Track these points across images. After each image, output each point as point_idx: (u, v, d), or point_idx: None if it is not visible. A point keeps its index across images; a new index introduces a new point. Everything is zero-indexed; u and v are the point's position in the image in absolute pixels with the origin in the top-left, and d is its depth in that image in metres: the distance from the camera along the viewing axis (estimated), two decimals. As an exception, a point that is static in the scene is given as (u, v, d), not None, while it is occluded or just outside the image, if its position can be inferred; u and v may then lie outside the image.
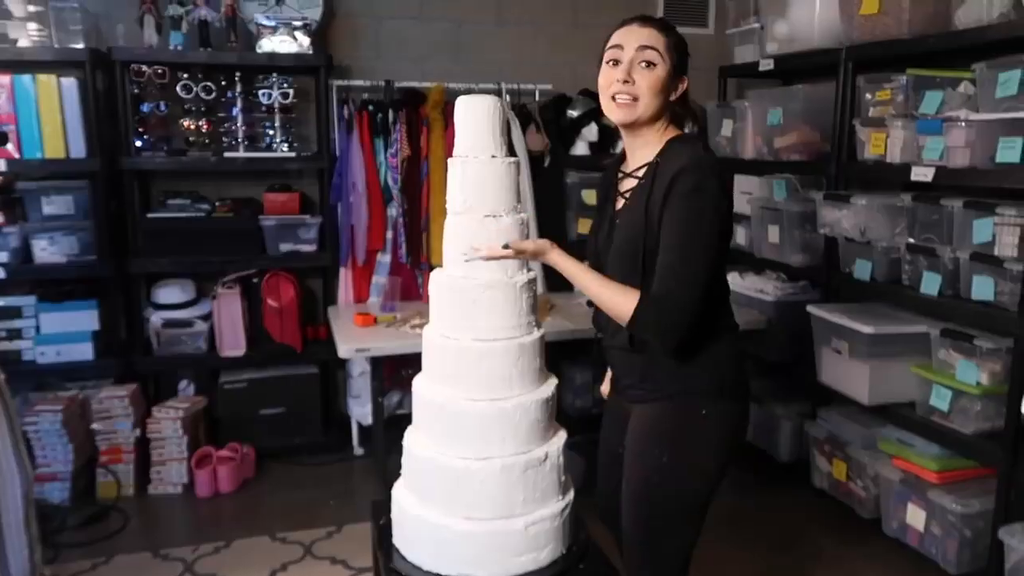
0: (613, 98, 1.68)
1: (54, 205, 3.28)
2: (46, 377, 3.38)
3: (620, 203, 1.78)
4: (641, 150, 1.74)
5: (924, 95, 2.72)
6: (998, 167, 2.43)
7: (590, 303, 1.89)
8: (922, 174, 2.66)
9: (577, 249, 1.81)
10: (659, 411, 1.73)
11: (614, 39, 1.70)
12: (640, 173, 1.72)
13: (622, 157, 1.84)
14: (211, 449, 3.37)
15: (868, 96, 3.00)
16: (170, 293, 3.53)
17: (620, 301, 1.62)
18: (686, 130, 1.79)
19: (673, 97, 1.71)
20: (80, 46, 3.19)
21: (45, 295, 3.34)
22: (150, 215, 3.47)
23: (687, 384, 1.70)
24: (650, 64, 1.65)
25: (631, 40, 1.66)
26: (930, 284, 2.72)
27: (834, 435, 3.22)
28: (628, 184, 1.76)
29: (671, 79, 1.68)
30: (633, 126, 1.70)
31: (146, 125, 3.41)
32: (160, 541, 2.93)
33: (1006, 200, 2.49)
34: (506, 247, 1.67)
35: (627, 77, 1.65)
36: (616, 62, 1.68)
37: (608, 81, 1.69)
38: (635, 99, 1.66)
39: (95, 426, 3.24)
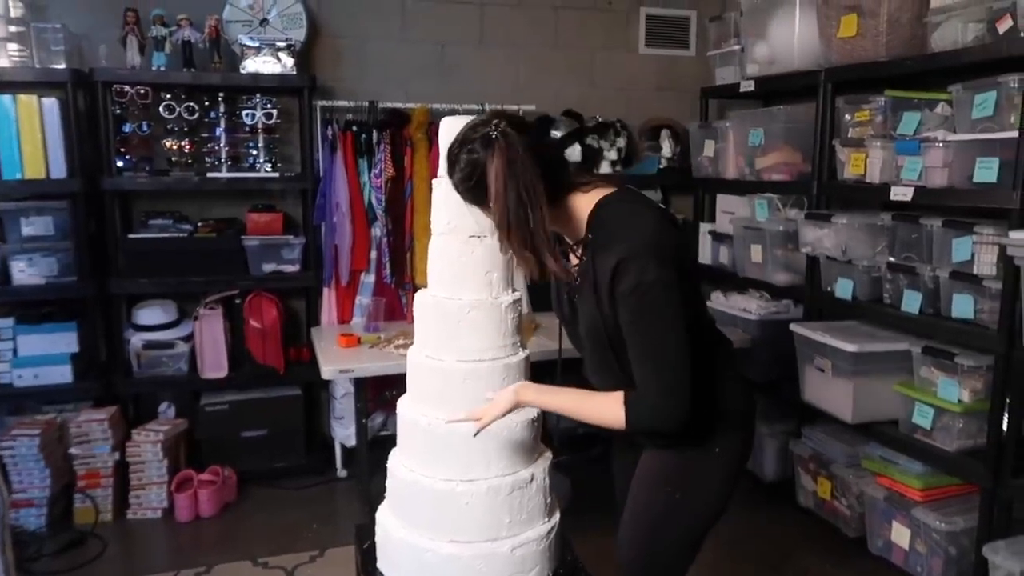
0: None
1: (33, 226, 3.24)
2: (23, 400, 3.32)
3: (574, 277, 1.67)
4: (573, 228, 1.63)
5: (902, 116, 2.76)
6: (976, 187, 2.47)
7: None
8: (901, 194, 2.69)
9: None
10: (671, 457, 1.69)
11: None
12: (580, 250, 1.63)
13: None
14: (192, 472, 3.32)
15: (847, 117, 3.04)
16: (151, 314, 3.49)
17: (607, 412, 1.54)
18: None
19: (540, 208, 1.50)
20: (62, 66, 3.18)
21: (23, 317, 3.30)
22: (131, 236, 3.44)
23: (698, 432, 1.64)
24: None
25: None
26: (911, 302, 2.74)
27: (819, 453, 3.22)
28: (574, 259, 1.66)
29: (512, 212, 1.48)
30: (539, 264, 1.55)
31: (128, 145, 3.40)
32: (139, 567, 2.88)
33: (984, 219, 2.52)
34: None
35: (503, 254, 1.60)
36: None
37: None
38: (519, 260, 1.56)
39: (73, 450, 3.19)
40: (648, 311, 1.47)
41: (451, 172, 1.57)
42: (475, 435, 1.62)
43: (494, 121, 1.51)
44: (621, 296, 1.48)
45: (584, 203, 1.59)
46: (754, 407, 1.76)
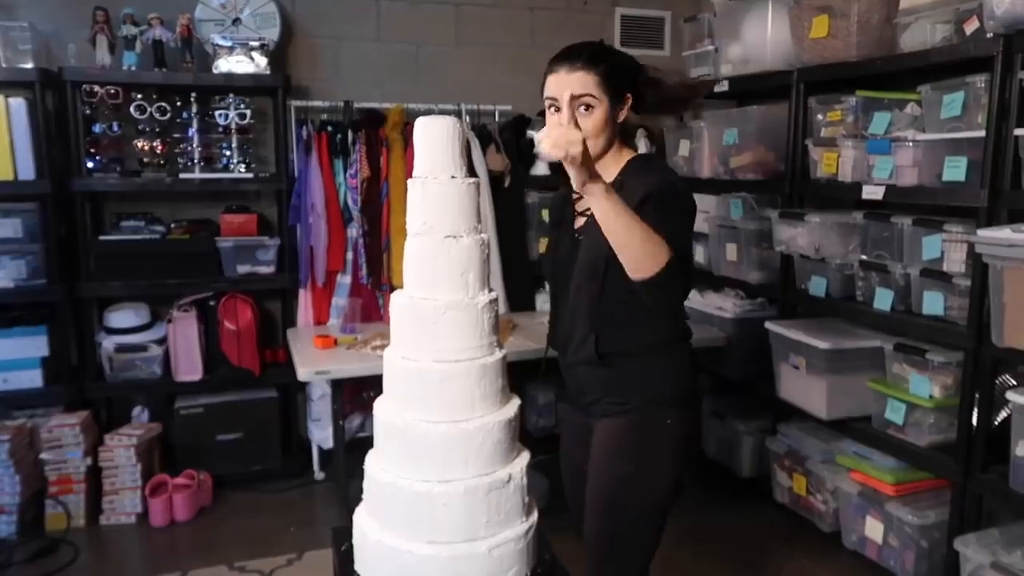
0: None
1: (1, 228, 3.18)
2: (-8, 406, 3.26)
3: (581, 221, 1.81)
4: (600, 173, 1.74)
5: (873, 116, 2.80)
6: (945, 185, 2.51)
7: (550, 323, 1.90)
8: (873, 192, 2.73)
9: (538, 267, 1.81)
10: (625, 423, 1.77)
11: (548, 88, 1.72)
12: None
13: None
14: (166, 477, 3.28)
15: (820, 117, 3.08)
16: (123, 317, 3.45)
17: (656, 246, 1.51)
18: (640, 144, 1.80)
19: (621, 119, 1.75)
20: (29, 66, 3.13)
21: (-9, 321, 3.24)
22: (102, 238, 3.39)
23: (653, 395, 1.75)
24: (588, 107, 1.69)
25: (562, 90, 1.68)
26: (883, 300, 2.78)
27: (794, 450, 3.26)
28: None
29: (612, 111, 1.71)
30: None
31: (98, 146, 3.35)
32: (113, 574, 2.85)
33: (953, 217, 2.57)
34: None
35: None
36: (556, 109, 1.71)
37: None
38: None
39: (44, 455, 3.14)
40: (683, 219, 1.67)
41: (603, 60, 1.71)
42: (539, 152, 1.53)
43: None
44: (655, 196, 1.61)
45: (615, 158, 1.76)
46: (697, 386, 1.85)
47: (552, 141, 1.46)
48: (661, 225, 1.55)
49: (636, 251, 1.53)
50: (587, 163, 1.48)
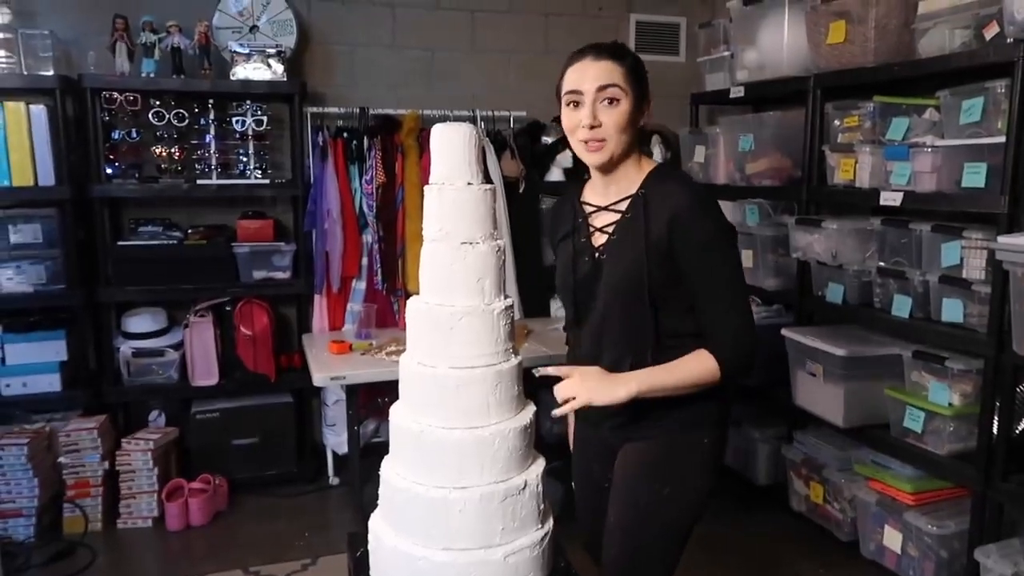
0: (584, 141, 1.62)
1: (21, 233, 3.22)
2: (11, 409, 3.28)
3: (601, 238, 1.72)
4: (618, 184, 1.69)
5: (891, 122, 2.78)
6: (964, 191, 2.48)
7: (566, 328, 1.88)
8: (890, 199, 2.71)
9: (553, 276, 1.79)
10: (661, 445, 1.71)
11: (568, 81, 1.62)
12: (622, 207, 1.68)
13: (579, 190, 1.80)
14: (182, 481, 3.30)
15: (837, 122, 3.06)
16: (141, 322, 3.47)
17: (698, 369, 1.60)
18: (655, 151, 1.77)
19: (641, 123, 1.65)
20: (50, 73, 3.16)
21: (11, 325, 3.27)
22: (120, 243, 3.42)
23: (691, 417, 1.69)
24: (613, 100, 1.58)
25: (588, 80, 1.58)
26: (901, 307, 2.75)
27: (811, 458, 3.23)
28: (607, 218, 1.71)
29: (637, 108, 1.61)
30: (608, 165, 1.65)
31: (117, 152, 3.38)
32: (129, 577, 2.86)
33: (973, 224, 2.54)
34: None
35: (593, 121, 1.58)
36: (577, 104, 1.61)
37: (573, 124, 1.62)
38: (604, 140, 1.60)
39: (62, 459, 3.16)
40: (729, 258, 1.61)
41: (629, 56, 1.64)
42: (558, 410, 1.65)
43: None
44: (699, 245, 1.56)
45: (636, 168, 1.68)
46: (731, 403, 1.81)
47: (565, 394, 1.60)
48: (721, 281, 1.58)
49: (691, 384, 1.61)
50: (601, 397, 1.59)
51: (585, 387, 1.61)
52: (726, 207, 3.72)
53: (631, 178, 1.68)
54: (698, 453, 1.71)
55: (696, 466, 1.71)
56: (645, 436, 1.72)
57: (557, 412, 1.64)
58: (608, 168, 1.67)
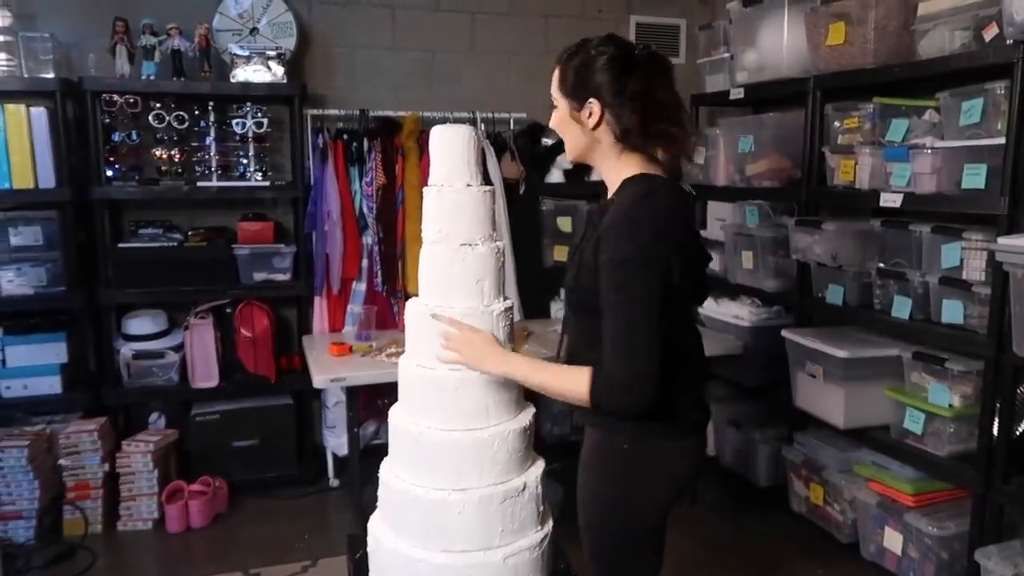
0: None
1: (21, 236, 3.22)
2: (12, 411, 3.28)
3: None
4: (609, 187, 1.66)
5: (891, 123, 2.78)
6: (964, 192, 2.48)
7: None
8: (890, 200, 2.71)
9: (553, 277, 1.80)
10: (589, 440, 1.68)
11: None
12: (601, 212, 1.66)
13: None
14: (182, 483, 3.30)
15: (836, 124, 3.06)
16: (141, 324, 3.47)
17: (572, 384, 1.51)
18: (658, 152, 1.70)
19: (592, 126, 1.59)
20: (50, 76, 3.17)
21: (11, 327, 3.27)
22: (121, 245, 3.42)
23: (614, 423, 1.60)
24: (554, 105, 1.67)
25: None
26: (901, 308, 2.75)
27: (811, 459, 3.23)
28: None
29: (572, 112, 1.62)
30: (580, 163, 1.73)
31: (117, 154, 3.38)
32: (129, 579, 2.86)
33: (973, 225, 2.54)
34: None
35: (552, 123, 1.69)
36: None
37: None
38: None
39: (62, 461, 3.16)
40: (637, 286, 1.46)
41: (569, 60, 1.66)
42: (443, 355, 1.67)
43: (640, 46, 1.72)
44: (606, 261, 1.49)
45: (615, 173, 1.63)
46: (705, 420, 1.70)
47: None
48: (613, 308, 1.47)
49: (555, 394, 1.56)
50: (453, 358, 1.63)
51: (466, 348, 1.65)
52: (726, 208, 3.72)
53: (612, 182, 1.64)
54: (620, 458, 1.60)
55: (622, 470, 1.61)
56: (595, 424, 1.66)
57: (442, 357, 1.68)
58: (588, 167, 1.73)
